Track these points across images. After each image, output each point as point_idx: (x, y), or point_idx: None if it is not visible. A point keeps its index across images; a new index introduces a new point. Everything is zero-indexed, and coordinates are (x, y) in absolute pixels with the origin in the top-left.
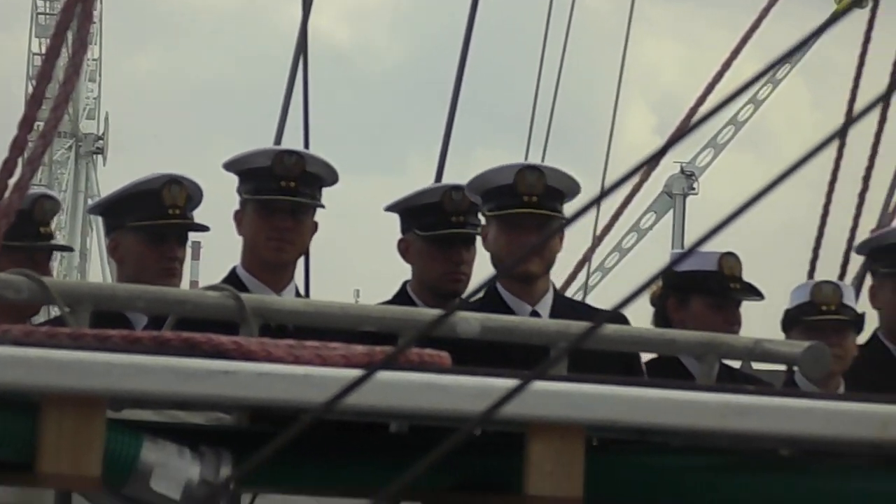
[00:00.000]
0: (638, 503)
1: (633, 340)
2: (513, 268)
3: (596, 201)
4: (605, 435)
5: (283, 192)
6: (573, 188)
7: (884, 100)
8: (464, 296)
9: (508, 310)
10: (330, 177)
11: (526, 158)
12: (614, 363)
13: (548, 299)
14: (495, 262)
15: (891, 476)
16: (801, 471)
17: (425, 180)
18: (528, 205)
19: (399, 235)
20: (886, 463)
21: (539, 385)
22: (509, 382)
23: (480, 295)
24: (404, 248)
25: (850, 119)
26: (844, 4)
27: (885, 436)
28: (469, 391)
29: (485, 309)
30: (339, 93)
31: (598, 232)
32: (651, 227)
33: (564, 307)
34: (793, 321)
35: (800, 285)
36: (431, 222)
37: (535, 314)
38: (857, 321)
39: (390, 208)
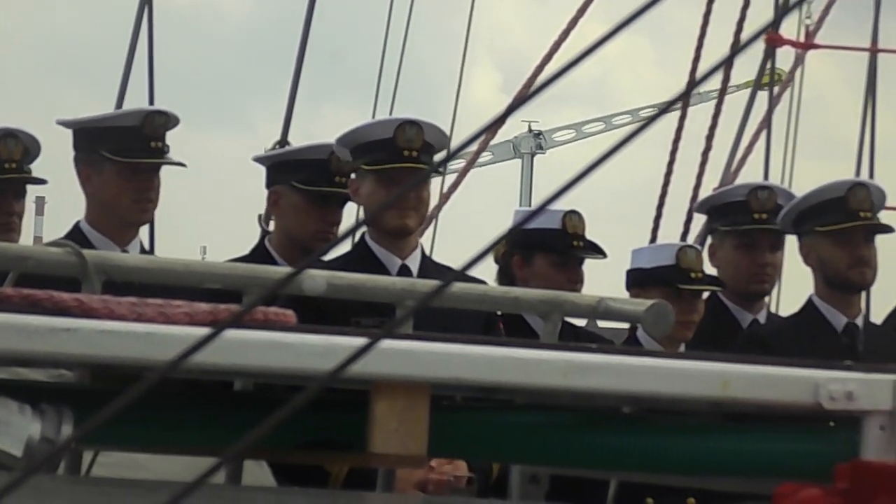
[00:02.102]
0: (482, 460)
1: (477, 299)
2: (375, 217)
3: (446, 160)
4: (449, 393)
5: (151, 153)
6: (445, 143)
7: (727, 62)
8: (324, 249)
9: (378, 263)
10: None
11: (374, 116)
12: (474, 322)
13: (417, 255)
14: (368, 216)
15: (731, 433)
16: (642, 428)
17: (271, 136)
18: (408, 159)
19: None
20: (727, 420)
21: (384, 343)
22: (356, 341)
23: (349, 248)
24: (274, 200)
25: (695, 81)
26: None
27: (726, 394)
28: (315, 349)
29: (353, 263)
30: (183, 49)
31: (445, 190)
32: None
33: (431, 264)
34: (652, 280)
35: (660, 245)
36: (312, 178)
37: (405, 268)
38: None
39: (265, 159)
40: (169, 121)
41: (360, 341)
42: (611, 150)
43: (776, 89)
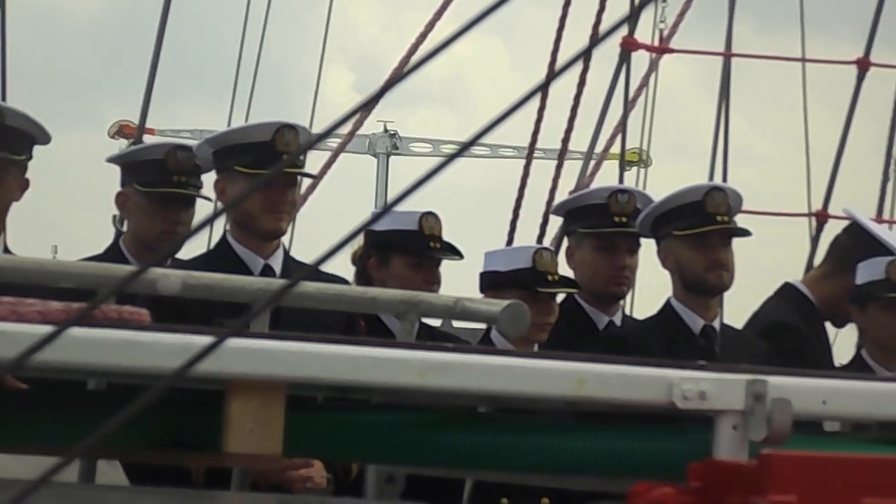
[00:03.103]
0: (338, 460)
1: (334, 298)
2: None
3: (300, 151)
4: (305, 392)
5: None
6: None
7: (584, 57)
8: (176, 244)
9: (240, 263)
10: (39, 134)
11: (231, 114)
12: (338, 323)
13: (279, 254)
14: (239, 217)
15: (586, 432)
16: (498, 427)
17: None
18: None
19: (114, 189)
20: (582, 419)
21: (239, 342)
22: (210, 339)
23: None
24: (122, 202)
25: (552, 73)
26: None
27: (581, 393)
28: (167, 348)
29: (215, 262)
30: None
31: (304, 190)
32: None
33: (294, 264)
34: (508, 283)
35: (516, 248)
36: (153, 179)
37: (268, 268)
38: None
39: (113, 160)
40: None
41: (212, 340)
42: (462, 149)
43: (631, 93)
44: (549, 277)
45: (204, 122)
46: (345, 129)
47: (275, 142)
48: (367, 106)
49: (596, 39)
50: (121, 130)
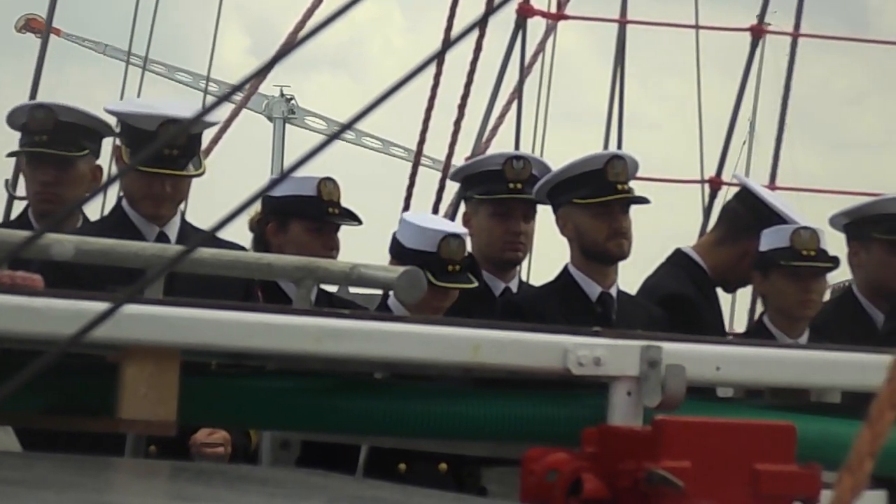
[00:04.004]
0: (232, 426)
1: (229, 264)
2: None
3: (195, 120)
4: (200, 358)
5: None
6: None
7: (481, 23)
8: (66, 210)
9: (135, 230)
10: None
11: (124, 84)
12: (236, 290)
13: (176, 221)
14: (125, 192)
15: (481, 398)
16: (394, 393)
17: (19, 97)
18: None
19: None
20: (478, 385)
21: (134, 308)
22: (104, 305)
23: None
24: (22, 168)
25: (449, 41)
26: None
27: (477, 359)
28: (62, 314)
29: (110, 229)
30: None
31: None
32: None
33: (191, 231)
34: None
35: (426, 230)
36: (24, 141)
37: (162, 235)
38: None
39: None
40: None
41: (107, 306)
42: (360, 114)
43: (527, 59)
44: (451, 267)
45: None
46: (239, 95)
47: (157, 134)
48: (259, 75)
49: (493, 6)
50: (28, 24)
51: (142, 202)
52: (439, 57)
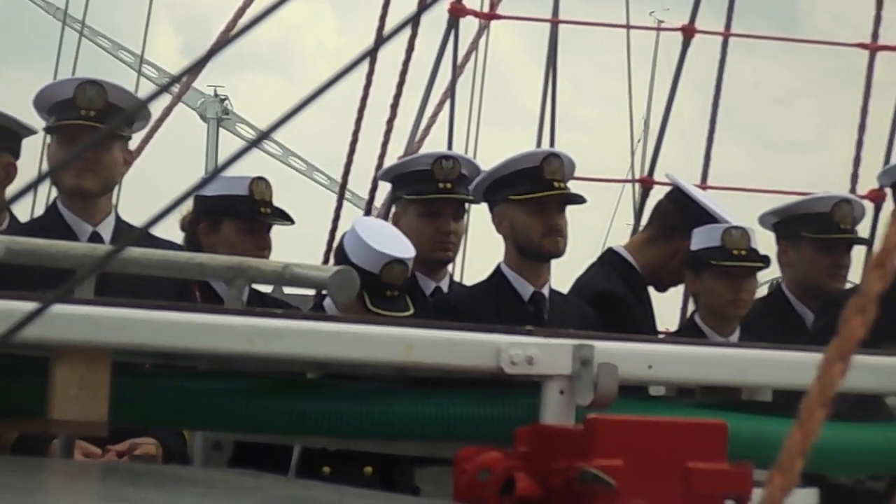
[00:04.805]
0: (164, 426)
1: (161, 265)
2: (53, 177)
3: (124, 119)
4: (132, 359)
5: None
6: (132, 104)
7: (413, 20)
8: None
9: (68, 229)
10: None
11: (55, 76)
12: (172, 291)
13: (110, 221)
14: (54, 179)
15: (414, 397)
16: (327, 393)
17: None
18: (85, 118)
19: None
20: (412, 385)
21: (64, 308)
22: (33, 305)
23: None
24: None
25: (381, 38)
26: None
27: (410, 358)
28: None
29: (43, 229)
30: None
31: (131, 158)
32: None
33: (127, 230)
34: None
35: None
36: None
37: (96, 235)
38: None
39: None
40: None
41: (35, 306)
42: (289, 113)
43: (459, 59)
44: (389, 293)
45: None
46: (169, 97)
47: (75, 98)
48: (192, 70)
49: (425, 4)
50: None
51: (65, 175)
52: (372, 54)
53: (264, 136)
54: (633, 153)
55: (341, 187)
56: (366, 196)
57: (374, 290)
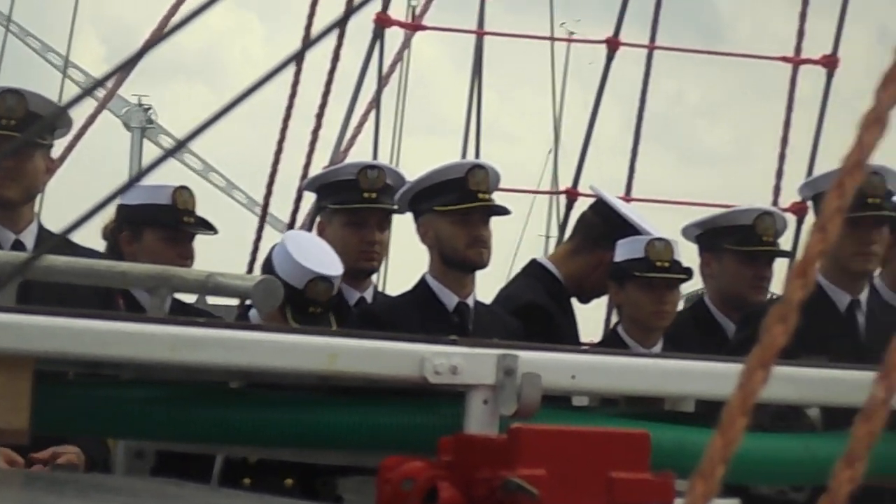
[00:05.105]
0: (86, 435)
1: (83, 273)
2: None
3: (44, 126)
4: (54, 367)
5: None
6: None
7: (340, 24)
8: None
9: None
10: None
11: None
12: (94, 299)
13: (33, 229)
14: None
15: (338, 406)
16: (249, 402)
17: None
18: (5, 127)
19: None
20: (336, 394)
21: None
22: None
23: None
24: None
25: (308, 42)
26: None
27: (333, 367)
28: None
29: None
30: None
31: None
32: None
33: (49, 238)
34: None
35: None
36: None
37: (18, 243)
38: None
39: None
40: None
41: None
42: (211, 119)
43: (385, 69)
44: (312, 309)
45: None
46: (94, 104)
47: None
48: (116, 74)
49: (351, 8)
50: None
51: None
52: (298, 58)
53: (183, 143)
54: (556, 164)
55: (266, 196)
56: (286, 219)
57: (297, 305)
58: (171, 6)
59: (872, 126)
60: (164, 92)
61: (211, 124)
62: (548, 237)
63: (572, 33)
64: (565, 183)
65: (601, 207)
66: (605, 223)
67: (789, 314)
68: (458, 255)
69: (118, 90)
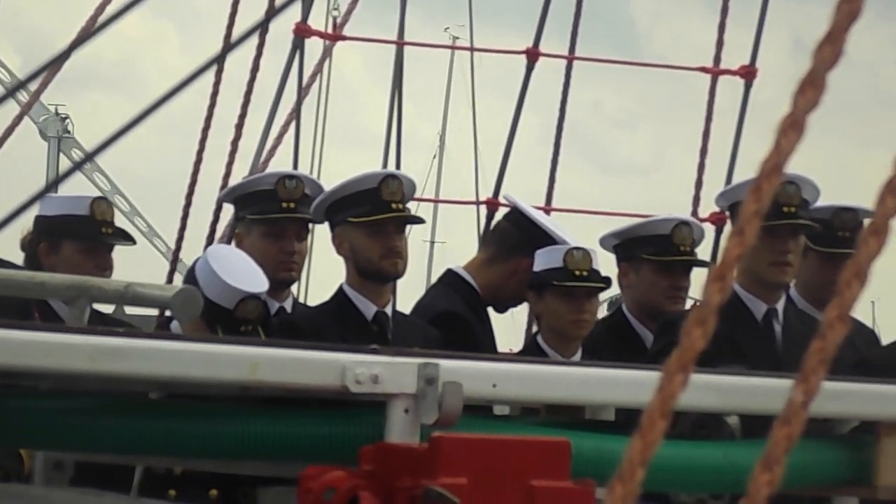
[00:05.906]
0: (4, 446)
1: (1, 283)
2: None
3: None
4: None
5: None
6: None
7: (262, 26)
8: None
9: None
10: None
11: None
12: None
13: None
14: None
15: (258, 416)
16: (169, 413)
17: None
18: None
19: None
20: (258, 404)
21: None
22: None
23: None
24: None
25: (227, 47)
26: None
27: (255, 377)
28: None
29: None
30: None
31: None
32: None
33: None
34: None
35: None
36: None
37: None
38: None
39: None
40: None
41: None
42: (133, 121)
43: (305, 79)
44: (243, 328)
45: None
46: (13, 113)
47: None
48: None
49: (271, 13)
50: None
51: None
52: (219, 62)
53: (92, 154)
54: (476, 175)
55: (185, 207)
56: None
57: (228, 325)
58: (87, 20)
59: (790, 131)
60: (81, 103)
61: (125, 133)
62: (432, 242)
63: (457, 38)
64: (486, 193)
65: (516, 216)
66: (519, 232)
67: (708, 317)
68: (373, 265)
69: (36, 101)
